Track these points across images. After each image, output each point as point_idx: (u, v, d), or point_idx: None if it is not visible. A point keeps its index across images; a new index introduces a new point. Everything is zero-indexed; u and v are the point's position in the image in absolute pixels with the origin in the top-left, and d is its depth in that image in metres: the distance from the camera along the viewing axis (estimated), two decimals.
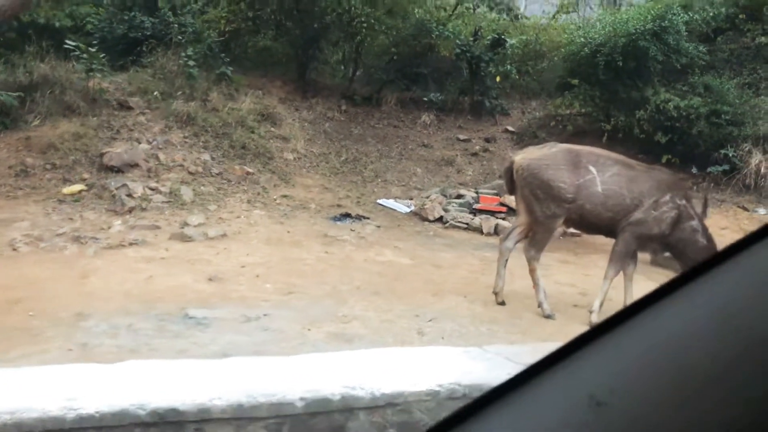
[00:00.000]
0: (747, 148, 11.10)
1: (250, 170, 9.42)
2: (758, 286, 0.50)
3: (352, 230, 8.10)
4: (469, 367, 2.56)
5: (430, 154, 12.58)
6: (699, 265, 0.53)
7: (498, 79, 15.22)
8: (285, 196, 9.04)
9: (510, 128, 14.22)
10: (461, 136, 13.61)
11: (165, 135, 9.75)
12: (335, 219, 8.57)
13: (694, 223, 5.60)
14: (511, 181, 5.80)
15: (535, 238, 5.78)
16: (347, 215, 8.82)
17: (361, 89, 15.15)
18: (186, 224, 7.25)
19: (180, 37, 11.87)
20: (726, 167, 11.32)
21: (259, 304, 5.04)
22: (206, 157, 9.49)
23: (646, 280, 7.35)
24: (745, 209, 10.79)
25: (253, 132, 10.55)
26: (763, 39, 12.80)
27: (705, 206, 5.88)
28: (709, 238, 5.60)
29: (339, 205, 9.26)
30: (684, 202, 5.61)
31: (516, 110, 15.28)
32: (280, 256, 6.58)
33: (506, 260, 5.89)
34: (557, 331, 5.13)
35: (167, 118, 10.14)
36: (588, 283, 6.92)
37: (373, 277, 6.22)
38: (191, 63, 11.23)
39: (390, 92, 14.74)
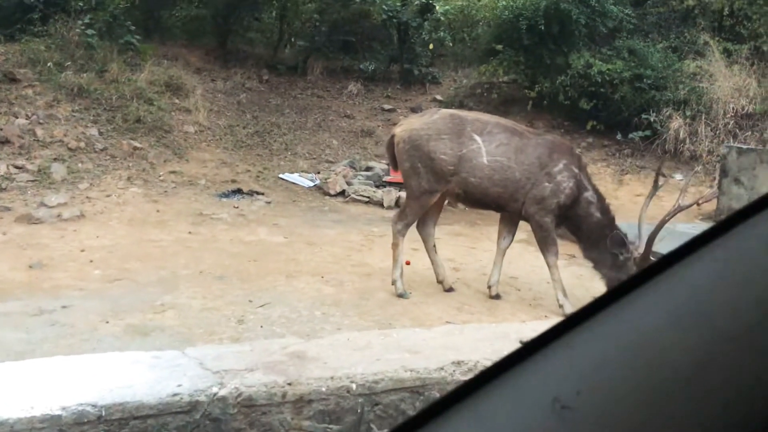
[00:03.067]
0: (668, 113, 10.80)
1: (139, 145, 8.88)
2: (730, 277, 0.48)
3: (235, 207, 7.66)
4: (132, 379, 2.17)
5: (351, 125, 12.10)
6: (670, 254, 0.50)
7: (431, 46, 14.72)
8: (173, 172, 8.54)
9: (439, 97, 13.76)
10: (386, 106, 13.14)
11: (50, 109, 9.15)
12: (222, 195, 8.11)
13: (589, 194, 5.19)
14: (394, 155, 5.36)
15: (405, 212, 5.38)
16: (238, 191, 8.36)
17: (286, 58, 14.56)
18: (42, 205, 6.74)
19: (81, 4, 11.15)
20: (647, 133, 11.02)
21: (68, 294, 4.61)
22: (93, 131, 8.92)
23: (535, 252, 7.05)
24: (663, 175, 10.50)
25: (151, 104, 9.95)
26: (690, 2, 12.43)
27: (656, 181, 5.44)
28: (605, 211, 5.20)
29: (234, 181, 8.79)
30: (578, 171, 5.20)
31: (449, 79, 14.81)
32: (133, 238, 6.13)
33: (434, 245, 5.51)
34: (401, 313, 4.78)
35: (57, 90, 9.52)
36: (468, 257, 6.59)
37: (227, 259, 5.81)
38: (90, 32, 10.55)
39: (317, 61, 14.17)
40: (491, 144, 5.06)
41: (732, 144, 9.63)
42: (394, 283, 5.22)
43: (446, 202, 5.89)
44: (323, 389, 2.27)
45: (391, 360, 2.48)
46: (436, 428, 0.51)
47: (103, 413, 1.98)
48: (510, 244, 5.60)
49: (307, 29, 14.99)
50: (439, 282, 5.48)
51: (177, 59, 12.47)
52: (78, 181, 7.62)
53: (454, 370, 2.48)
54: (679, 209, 5.30)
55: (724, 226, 0.50)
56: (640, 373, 0.46)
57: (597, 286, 5.93)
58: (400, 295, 5.16)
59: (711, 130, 10.66)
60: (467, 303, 5.16)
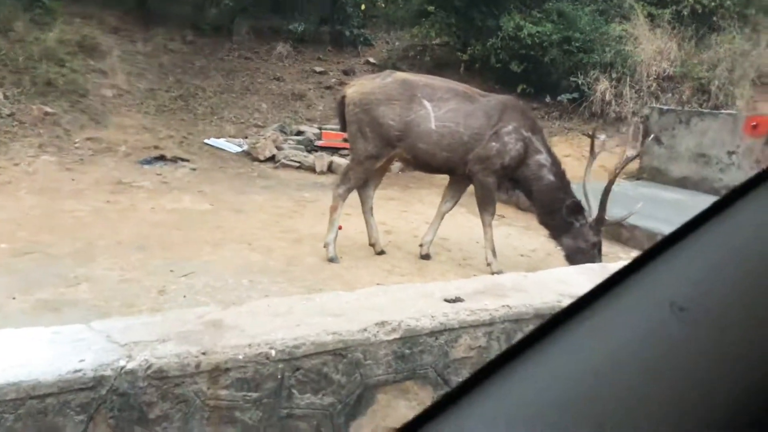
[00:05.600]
0: (595, 76, 11.00)
1: (51, 110, 8.33)
2: None
3: (158, 174, 7.33)
4: (29, 357, 2.00)
5: (281, 88, 11.77)
6: None
7: (363, 7, 14.42)
8: (90, 139, 8.07)
9: (372, 60, 13.55)
10: (318, 69, 12.84)
11: None
12: (144, 162, 7.74)
13: (541, 157, 5.14)
14: (344, 116, 5.20)
15: (348, 176, 5.25)
16: (161, 158, 8.00)
17: (212, 18, 13.96)
18: None
19: None
20: (575, 95, 11.22)
21: None
22: None
23: (467, 213, 7.08)
24: (589, 136, 10.75)
25: (63, 66, 9.34)
26: None
27: (592, 145, 5.41)
28: (559, 174, 5.18)
29: (157, 147, 8.39)
30: (530, 134, 5.14)
31: (382, 41, 14.59)
32: (45, 209, 5.76)
33: (371, 207, 5.41)
34: (331, 277, 4.70)
35: None
36: (400, 221, 6.55)
37: (148, 228, 5.54)
38: None
39: (244, 21, 13.65)
40: (441, 110, 4.98)
41: (654, 105, 9.92)
42: (326, 246, 5.13)
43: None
44: (240, 357, 2.16)
45: (313, 324, 2.39)
46: (563, 333, 0.52)
47: None
48: (451, 209, 5.57)
49: None
50: (371, 245, 5.42)
51: (91, 18, 11.74)
52: None
53: (377, 331, 2.42)
54: (627, 161, 5.44)
55: None
56: (750, 276, 0.48)
57: (524, 245, 6.03)
58: (331, 260, 5.07)
59: (635, 92, 10.95)
60: (398, 265, 5.13)
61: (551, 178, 5.11)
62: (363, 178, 5.23)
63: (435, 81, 5.30)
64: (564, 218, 5.00)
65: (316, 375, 2.30)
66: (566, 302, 2.96)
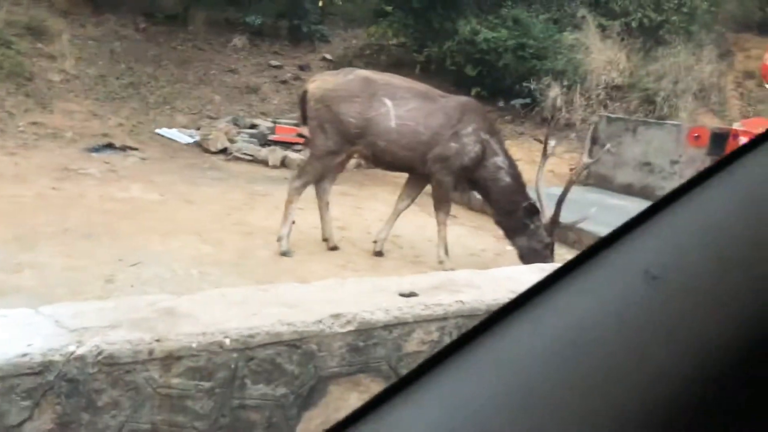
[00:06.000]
0: (547, 82, 11.25)
1: None
2: None
3: (106, 163, 7.14)
4: None
5: (235, 81, 11.62)
6: (755, 139, 0.54)
7: (321, 3, 14.34)
8: (35, 123, 7.81)
9: (328, 56, 13.51)
10: (274, 63, 12.72)
11: None
12: (91, 150, 7.53)
13: (499, 159, 5.23)
14: (305, 111, 5.18)
15: (306, 171, 5.25)
16: (110, 146, 7.80)
17: (165, 6, 13.66)
18: None
19: None
20: (528, 100, 11.46)
21: None
22: None
23: (420, 212, 7.16)
24: (540, 141, 11.01)
25: (9, 48, 8.99)
26: None
27: (545, 149, 5.50)
28: (515, 176, 5.27)
29: (105, 135, 8.18)
30: (488, 136, 5.22)
31: (339, 38, 14.55)
32: None
33: (327, 202, 5.39)
34: (284, 271, 4.68)
35: None
36: (355, 217, 6.57)
37: (96, 216, 5.40)
38: None
39: (199, 11, 13.40)
40: (401, 108, 5.03)
41: (603, 113, 10.23)
42: (280, 240, 5.11)
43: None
44: (194, 345, 2.14)
45: (268, 314, 2.38)
46: (546, 299, 0.53)
47: None
48: (407, 207, 5.61)
49: None
50: (325, 239, 5.42)
51: (40, 0, 11.33)
52: None
53: (332, 323, 2.43)
54: (585, 167, 5.61)
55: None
56: (720, 246, 0.50)
57: (475, 245, 6.14)
58: (284, 253, 5.05)
59: (585, 100, 11.26)
60: (351, 261, 5.15)
61: (508, 180, 5.23)
62: (321, 173, 5.24)
63: (396, 80, 5.35)
64: (520, 219, 5.12)
65: (270, 365, 2.30)
66: None
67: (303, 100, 5.22)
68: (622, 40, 12.00)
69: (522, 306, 0.52)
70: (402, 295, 2.80)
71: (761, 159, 0.53)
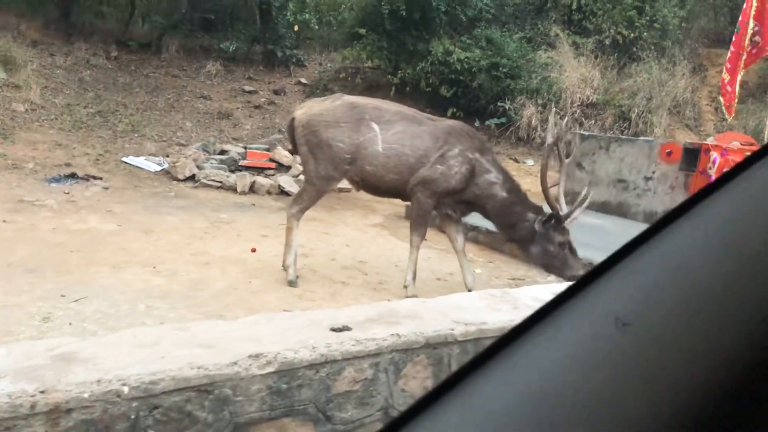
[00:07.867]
0: (521, 101, 11.21)
1: None
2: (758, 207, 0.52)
3: (66, 193, 6.94)
4: None
5: (208, 107, 11.50)
6: (720, 179, 0.54)
7: (296, 28, 14.32)
8: None
9: (303, 80, 13.46)
10: (248, 88, 12.63)
11: None
12: (52, 180, 7.33)
13: (491, 176, 5.09)
14: (294, 138, 5.13)
15: (302, 197, 5.21)
16: (72, 176, 7.60)
17: (139, 34, 13.60)
18: None
19: None
20: (503, 120, 11.40)
21: None
22: None
23: (389, 236, 6.99)
24: (516, 161, 10.93)
25: None
26: None
27: (559, 155, 5.32)
28: (513, 189, 5.12)
29: (69, 164, 7.99)
30: (477, 155, 5.10)
31: (315, 62, 14.52)
32: None
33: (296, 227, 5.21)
34: (236, 303, 4.48)
35: None
36: (320, 243, 6.40)
37: (45, 249, 5.20)
38: None
39: (173, 38, 13.34)
40: (388, 132, 4.96)
41: (576, 131, 10.16)
42: (286, 268, 5.08)
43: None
44: (86, 395, 1.95)
45: (179, 357, 2.20)
46: (524, 343, 0.52)
47: None
48: (465, 242, 5.41)
49: (164, 4, 14.10)
50: (284, 268, 5.25)
51: (8, 29, 11.21)
52: None
53: (250, 364, 2.25)
54: (549, 149, 5.44)
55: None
56: (690, 293, 0.50)
57: (442, 269, 5.97)
58: (291, 282, 4.96)
59: (560, 118, 11.20)
60: (310, 290, 4.96)
61: (504, 194, 5.10)
62: (316, 199, 5.22)
63: (384, 104, 5.27)
64: (525, 228, 4.97)
65: (178, 413, 2.11)
66: (460, 330, 2.87)
67: (291, 127, 5.19)
68: (596, 57, 12.00)
69: (493, 356, 0.51)
70: (334, 329, 2.62)
71: (729, 197, 0.53)
